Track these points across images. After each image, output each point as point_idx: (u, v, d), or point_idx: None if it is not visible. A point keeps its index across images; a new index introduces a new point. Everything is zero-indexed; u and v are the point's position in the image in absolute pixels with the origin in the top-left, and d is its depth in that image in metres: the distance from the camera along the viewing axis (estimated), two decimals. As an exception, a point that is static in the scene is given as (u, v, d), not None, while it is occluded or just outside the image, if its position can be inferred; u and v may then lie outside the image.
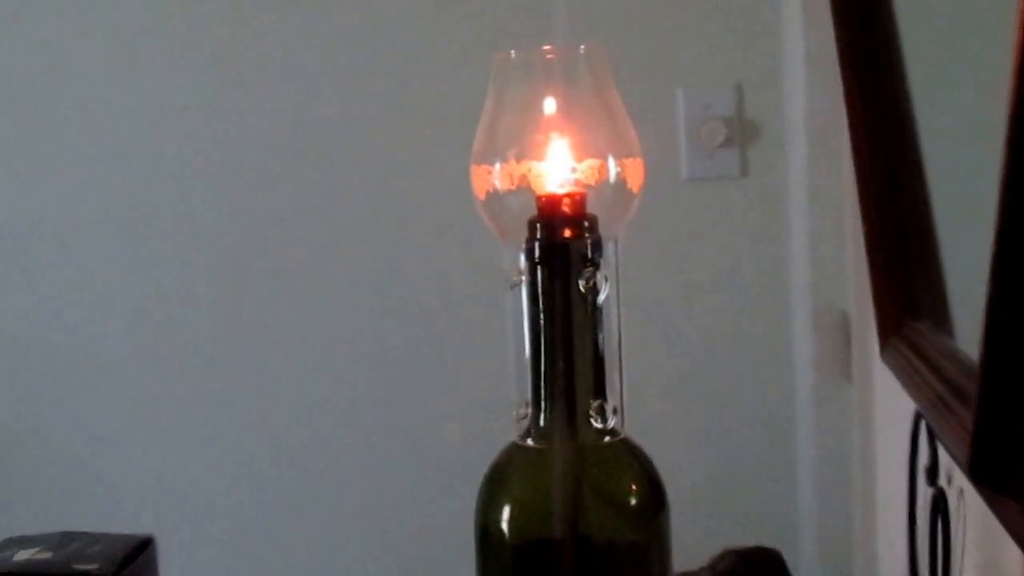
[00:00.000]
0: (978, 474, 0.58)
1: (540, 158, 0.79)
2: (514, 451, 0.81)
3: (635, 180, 0.80)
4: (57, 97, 1.84)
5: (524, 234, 0.79)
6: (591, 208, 0.79)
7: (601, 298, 0.78)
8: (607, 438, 0.79)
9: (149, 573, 0.87)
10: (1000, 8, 0.64)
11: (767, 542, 1.04)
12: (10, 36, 1.83)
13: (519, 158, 0.79)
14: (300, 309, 1.84)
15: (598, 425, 0.79)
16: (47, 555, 0.84)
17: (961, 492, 0.87)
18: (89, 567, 0.82)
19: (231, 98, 1.82)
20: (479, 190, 0.80)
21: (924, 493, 0.92)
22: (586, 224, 0.79)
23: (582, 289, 0.78)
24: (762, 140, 1.77)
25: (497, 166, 0.79)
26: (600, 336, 0.79)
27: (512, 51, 0.81)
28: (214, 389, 1.86)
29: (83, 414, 1.87)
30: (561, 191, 0.79)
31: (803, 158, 1.69)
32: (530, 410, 0.79)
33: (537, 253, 0.78)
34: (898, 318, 0.89)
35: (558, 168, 0.79)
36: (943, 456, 0.88)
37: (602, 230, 0.79)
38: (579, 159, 0.79)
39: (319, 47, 1.81)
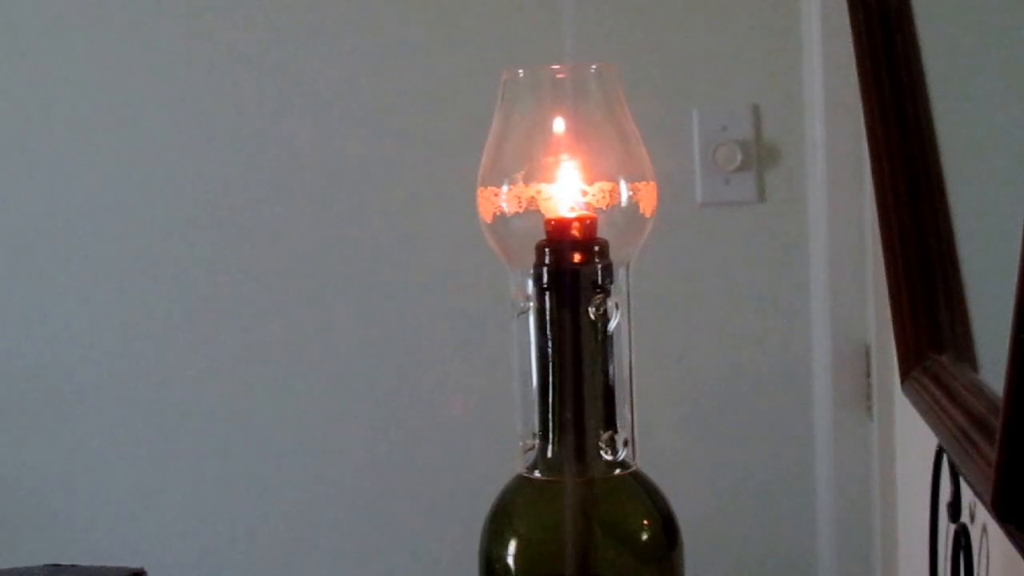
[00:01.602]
0: (1002, 511, 0.57)
1: (549, 180, 0.78)
2: (520, 483, 0.79)
3: (648, 204, 0.79)
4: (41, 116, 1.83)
5: (532, 258, 0.77)
6: (602, 233, 0.78)
7: (612, 326, 0.77)
8: (617, 471, 0.78)
9: (143, 606, 0.86)
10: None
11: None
12: (10, 37, 1.82)
13: (527, 180, 0.78)
14: (295, 339, 1.82)
15: (608, 457, 0.77)
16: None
17: (984, 529, 0.85)
18: (80, 600, 0.81)
19: (233, 111, 1.80)
20: (485, 212, 0.79)
21: (946, 529, 0.90)
22: (596, 249, 0.77)
23: (592, 316, 0.77)
24: (780, 164, 1.75)
25: (504, 188, 0.78)
26: (610, 365, 0.78)
27: (520, 69, 0.80)
28: (206, 421, 1.83)
29: (72, 443, 1.84)
30: (571, 215, 0.78)
31: (823, 183, 1.67)
32: (537, 441, 0.78)
33: (545, 278, 0.77)
34: (920, 350, 0.87)
35: (568, 191, 0.78)
36: (966, 492, 0.86)
37: (613, 255, 0.78)
38: (590, 182, 0.78)
39: (324, 64, 1.79)
